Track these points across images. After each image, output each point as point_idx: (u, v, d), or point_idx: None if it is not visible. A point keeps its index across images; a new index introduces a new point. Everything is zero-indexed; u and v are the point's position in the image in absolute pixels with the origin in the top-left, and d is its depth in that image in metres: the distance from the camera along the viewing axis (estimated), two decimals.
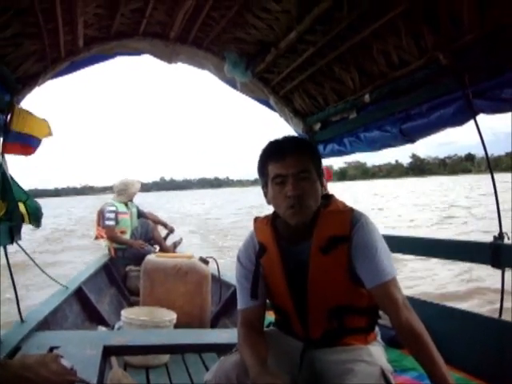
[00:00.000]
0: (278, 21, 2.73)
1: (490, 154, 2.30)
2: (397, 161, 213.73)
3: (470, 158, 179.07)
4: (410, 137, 2.51)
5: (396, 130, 2.54)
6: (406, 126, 2.48)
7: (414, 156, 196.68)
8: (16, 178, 3.06)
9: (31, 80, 2.90)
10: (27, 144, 3.10)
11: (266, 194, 1.87)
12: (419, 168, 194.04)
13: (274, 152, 1.81)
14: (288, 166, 1.74)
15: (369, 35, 2.40)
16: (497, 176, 2.29)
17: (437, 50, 2.08)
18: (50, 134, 3.27)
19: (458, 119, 2.17)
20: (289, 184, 1.72)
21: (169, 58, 3.35)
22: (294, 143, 1.83)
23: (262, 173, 1.86)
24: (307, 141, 2.09)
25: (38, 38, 2.59)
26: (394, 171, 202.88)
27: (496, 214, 2.24)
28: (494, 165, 2.29)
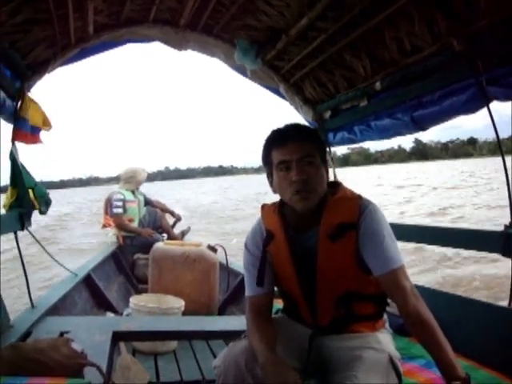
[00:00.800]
0: (289, 7, 2.71)
1: (492, 138, 2.26)
2: (399, 146, 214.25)
3: (472, 141, 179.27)
4: (421, 125, 2.49)
5: (407, 118, 2.52)
6: (417, 114, 2.45)
7: (416, 141, 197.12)
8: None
9: (41, 67, 2.89)
10: (35, 133, 3.10)
11: (271, 183, 1.88)
12: (421, 153, 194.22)
13: (277, 139, 1.81)
14: (292, 152, 1.74)
15: (381, 21, 2.37)
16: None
17: (450, 36, 2.05)
18: (48, 125, 3.25)
19: (470, 107, 2.14)
20: (293, 169, 1.72)
21: (179, 45, 3.33)
22: (296, 129, 1.84)
23: (266, 161, 1.87)
24: (310, 127, 2.10)
25: (48, 24, 2.58)
26: (395, 156, 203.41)
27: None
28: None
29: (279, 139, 1.80)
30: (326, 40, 2.73)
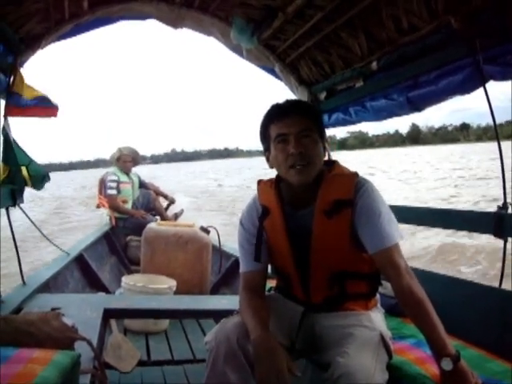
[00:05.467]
0: None
1: (485, 123, 2.27)
2: (397, 130, 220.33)
3: (465, 127, 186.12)
4: (416, 105, 2.47)
5: (403, 99, 2.50)
6: (412, 94, 2.43)
7: (413, 125, 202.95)
8: (33, 153, 3.05)
9: (34, 41, 2.83)
10: (23, 107, 3.06)
11: (268, 158, 1.89)
12: (413, 138, 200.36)
13: (276, 113, 1.82)
14: (290, 125, 1.75)
15: None
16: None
17: (448, 14, 2.02)
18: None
19: (466, 87, 2.13)
20: (291, 142, 1.73)
21: (174, 23, 3.28)
22: (295, 104, 1.85)
23: (264, 136, 1.87)
24: (309, 103, 2.11)
25: None
26: (389, 141, 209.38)
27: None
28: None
29: (278, 113, 1.81)
30: (322, 18, 2.69)
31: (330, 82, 3.15)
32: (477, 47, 1.96)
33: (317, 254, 1.79)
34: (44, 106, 3.04)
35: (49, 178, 3.29)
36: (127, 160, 6.22)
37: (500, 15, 1.85)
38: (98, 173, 6.79)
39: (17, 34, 2.69)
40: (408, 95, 2.47)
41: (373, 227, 1.71)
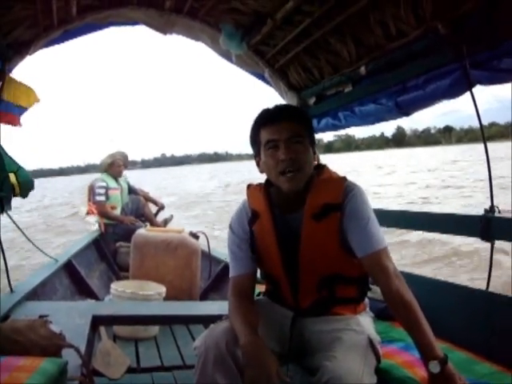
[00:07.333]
0: None
1: (467, 125, 2.29)
2: (382, 133, 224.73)
3: (447, 129, 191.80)
4: (405, 110, 2.49)
5: (391, 103, 2.52)
6: (401, 99, 2.46)
7: (398, 128, 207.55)
8: (22, 159, 3.01)
9: (23, 47, 2.82)
10: (13, 114, 3.04)
11: (258, 163, 1.88)
12: (398, 140, 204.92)
13: (266, 118, 1.82)
14: (280, 131, 1.75)
15: (366, 5, 2.35)
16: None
17: (435, 20, 2.05)
18: (36, 100, 3.19)
19: (454, 91, 2.15)
20: (281, 148, 1.73)
21: (163, 28, 3.27)
22: (286, 110, 1.86)
23: (254, 141, 1.87)
24: (299, 108, 2.11)
25: (29, 2, 2.52)
26: (374, 143, 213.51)
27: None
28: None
29: (268, 118, 1.81)
30: (311, 24, 2.70)
31: (319, 87, 3.16)
32: (464, 52, 1.98)
33: (306, 258, 1.79)
34: (8, 113, 3.01)
35: (33, 187, 3.25)
36: (120, 164, 6.22)
37: (486, 21, 1.88)
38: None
39: (5, 40, 2.67)
40: (396, 100, 2.49)
41: (361, 231, 1.72)
